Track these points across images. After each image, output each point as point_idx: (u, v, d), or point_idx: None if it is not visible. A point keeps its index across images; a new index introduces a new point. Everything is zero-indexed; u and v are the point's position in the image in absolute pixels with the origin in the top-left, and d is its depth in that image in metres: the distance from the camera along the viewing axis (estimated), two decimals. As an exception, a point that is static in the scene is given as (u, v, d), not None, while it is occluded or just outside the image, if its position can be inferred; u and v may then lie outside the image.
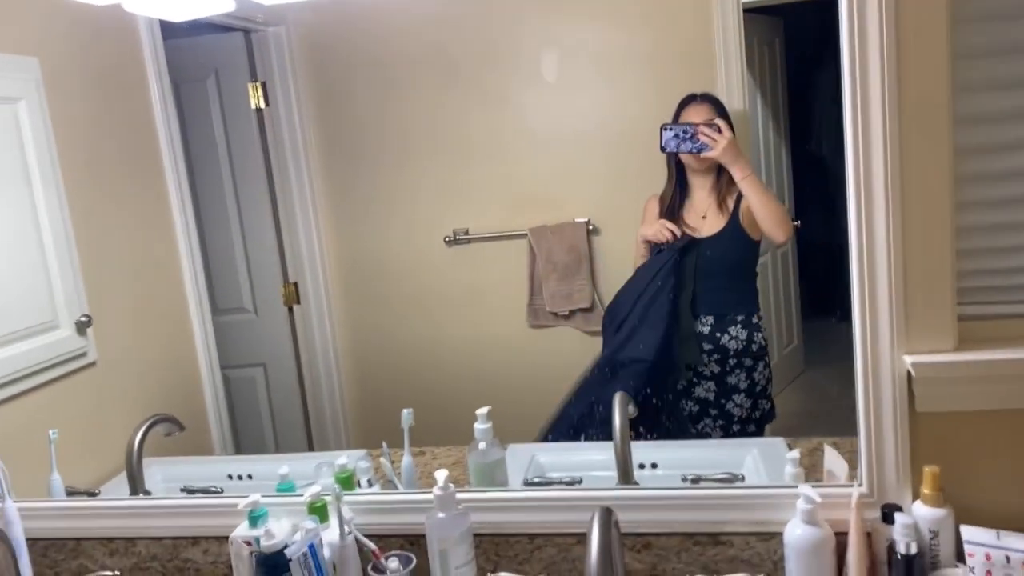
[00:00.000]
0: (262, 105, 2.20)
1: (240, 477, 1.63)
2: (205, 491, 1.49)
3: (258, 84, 2.18)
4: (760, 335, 1.82)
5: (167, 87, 1.80)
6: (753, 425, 1.78)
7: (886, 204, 1.05)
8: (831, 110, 2.38)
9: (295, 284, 2.25)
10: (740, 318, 1.80)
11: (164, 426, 1.57)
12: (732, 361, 1.80)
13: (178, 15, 1.32)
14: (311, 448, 2.21)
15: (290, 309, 2.25)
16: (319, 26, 2.15)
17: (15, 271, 1.64)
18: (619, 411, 1.31)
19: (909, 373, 1.09)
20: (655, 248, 1.83)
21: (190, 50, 2.03)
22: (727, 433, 1.76)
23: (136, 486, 1.54)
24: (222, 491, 1.48)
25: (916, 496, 1.11)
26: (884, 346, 1.09)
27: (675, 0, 2.03)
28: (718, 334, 1.80)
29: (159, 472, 1.61)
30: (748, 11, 2.05)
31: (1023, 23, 1.09)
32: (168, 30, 1.80)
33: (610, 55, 2.10)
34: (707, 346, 1.79)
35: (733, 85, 2.01)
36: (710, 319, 1.80)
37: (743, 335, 1.81)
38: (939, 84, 1.03)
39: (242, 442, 2.02)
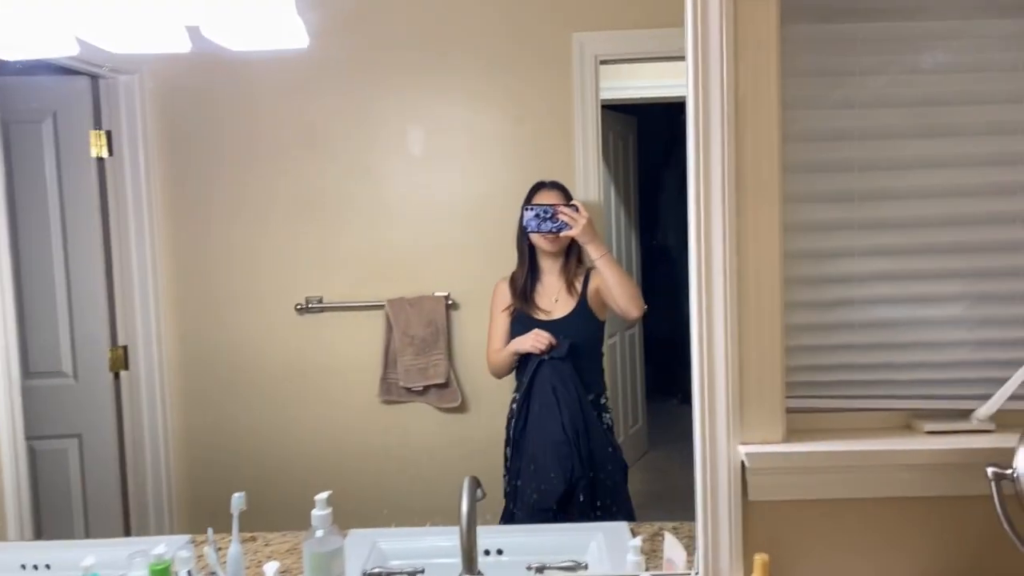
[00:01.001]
0: (104, 154, 2.06)
1: (36, 567, 1.43)
2: (-11, 585, 1.29)
3: (102, 132, 2.05)
4: (608, 415, 1.85)
5: (-8, 126, 1.64)
6: (612, 478, 1.78)
7: (724, 302, 1.12)
8: (677, 206, 2.55)
9: (124, 348, 2.07)
10: (590, 397, 1.82)
11: (-55, 508, 1.36)
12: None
13: (14, 54, 1.21)
14: (128, 533, 2.00)
15: (116, 375, 2.06)
16: (175, 79, 2.07)
17: None
18: (467, 495, 1.27)
19: (743, 463, 1.14)
20: (530, 358, 1.80)
21: (26, 89, 1.88)
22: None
23: (-99, 580, 1.31)
24: (10, 585, 1.29)
25: (748, 583, 1.15)
26: (721, 436, 1.14)
27: (540, 88, 2.13)
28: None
29: (-67, 562, 1.38)
30: (606, 107, 2.18)
31: (841, 144, 1.22)
32: (1, 66, 1.65)
33: (474, 135, 2.16)
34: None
35: (589, 174, 2.11)
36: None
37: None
38: (771, 193, 1.13)
39: (44, 525, 1.79)
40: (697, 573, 1.17)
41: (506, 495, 1.82)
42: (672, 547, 1.24)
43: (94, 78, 2.03)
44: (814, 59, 1.21)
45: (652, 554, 1.31)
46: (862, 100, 1.22)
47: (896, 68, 1.22)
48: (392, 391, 2.15)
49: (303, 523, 1.22)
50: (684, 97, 1.14)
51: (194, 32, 1.14)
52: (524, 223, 1.80)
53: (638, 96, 2.62)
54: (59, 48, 1.15)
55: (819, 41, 1.21)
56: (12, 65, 1.55)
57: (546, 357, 1.78)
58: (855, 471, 1.16)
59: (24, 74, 1.73)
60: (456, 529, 1.28)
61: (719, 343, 1.12)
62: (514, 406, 1.83)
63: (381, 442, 2.14)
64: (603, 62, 2.12)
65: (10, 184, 1.72)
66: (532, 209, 1.79)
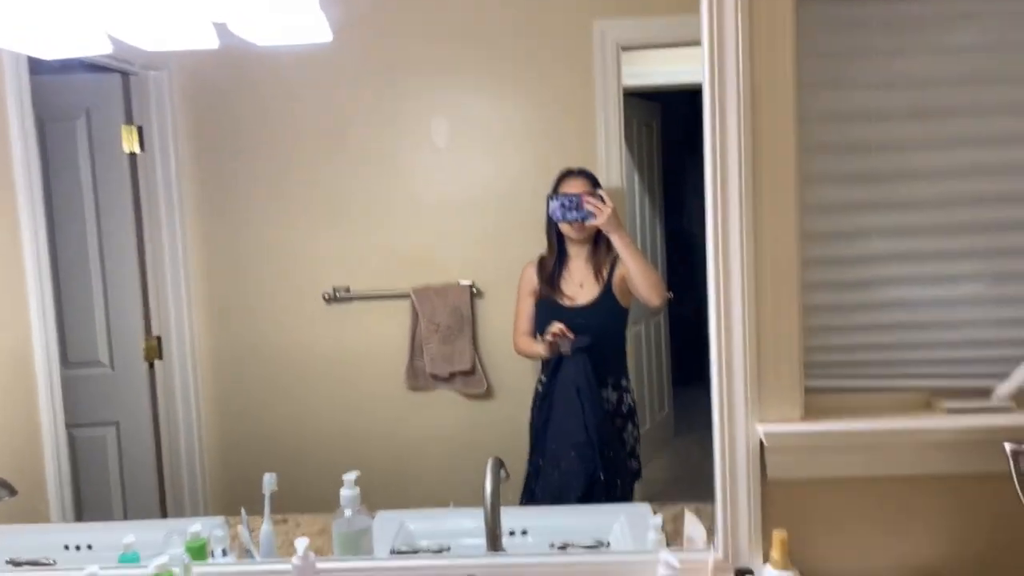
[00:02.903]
0: (136, 150, 2.11)
1: (79, 547, 1.49)
2: (34, 563, 1.35)
3: (133, 128, 2.10)
4: (629, 396, 1.89)
5: (30, 124, 1.70)
6: (621, 484, 1.81)
7: (742, 283, 1.13)
8: (701, 191, 2.53)
9: (158, 338, 2.13)
10: (611, 380, 1.86)
11: (-8, 490, 1.42)
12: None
13: (50, 53, 1.25)
14: (164, 515, 2.06)
15: (151, 364, 2.12)
16: (203, 74, 2.11)
17: None
18: (491, 476, 1.30)
19: (761, 441, 1.16)
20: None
21: (60, 88, 1.93)
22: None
23: (-47, 558, 1.37)
24: (54, 563, 1.34)
25: (767, 560, 1.16)
26: (740, 415, 1.15)
27: (561, 77, 2.13)
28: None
29: (-21, 542, 1.44)
30: (628, 94, 2.18)
31: (857, 124, 1.22)
32: (37, 65, 1.71)
33: (497, 125, 2.17)
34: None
35: (612, 161, 2.12)
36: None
37: (613, 397, 1.87)
38: (788, 175, 1.14)
39: (85, 508, 1.85)
40: (716, 550, 1.18)
41: (527, 476, 1.84)
42: (692, 525, 1.25)
43: (125, 75, 2.08)
44: (830, 39, 1.20)
45: (675, 534, 1.33)
46: (880, 80, 1.22)
47: (914, 48, 1.22)
48: (418, 378, 2.18)
49: (332, 506, 1.26)
50: (705, 82, 1.14)
51: (221, 29, 1.17)
52: (549, 212, 1.83)
53: (661, 83, 2.61)
54: (93, 47, 1.18)
55: (835, 21, 1.21)
56: (48, 64, 1.59)
57: (568, 352, 1.77)
58: (874, 449, 1.17)
59: (59, 73, 1.78)
60: (481, 510, 1.32)
61: (736, 322, 1.13)
62: (539, 387, 1.86)
63: (408, 427, 2.18)
64: (625, 49, 2.12)
65: (47, 180, 1.78)
66: (557, 199, 1.82)
